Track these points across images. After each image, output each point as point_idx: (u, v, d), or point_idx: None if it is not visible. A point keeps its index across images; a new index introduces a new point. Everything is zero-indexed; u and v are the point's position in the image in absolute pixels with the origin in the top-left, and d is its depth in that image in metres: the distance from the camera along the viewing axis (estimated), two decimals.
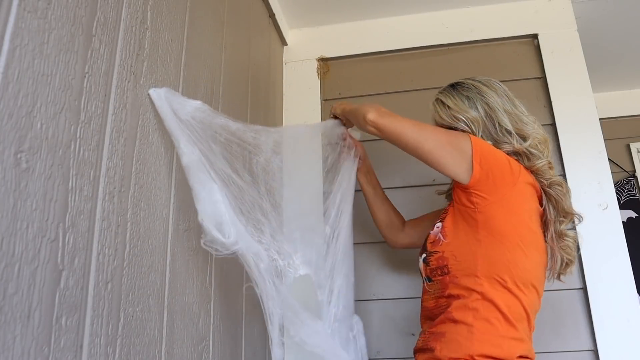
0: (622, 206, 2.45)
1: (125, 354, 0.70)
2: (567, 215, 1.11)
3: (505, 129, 1.10)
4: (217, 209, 0.77)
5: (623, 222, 1.55)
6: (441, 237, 1.09)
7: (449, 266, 1.05)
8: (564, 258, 1.11)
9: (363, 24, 1.89)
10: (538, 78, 1.73)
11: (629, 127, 2.58)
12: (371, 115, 1.09)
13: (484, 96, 1.13)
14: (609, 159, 1.59)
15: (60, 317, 0.57)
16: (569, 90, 1.67)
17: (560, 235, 1.10)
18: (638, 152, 2.57)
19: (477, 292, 1.00)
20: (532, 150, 1.08)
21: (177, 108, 0.82)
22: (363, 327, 1.34)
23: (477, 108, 1.12)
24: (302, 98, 1.85)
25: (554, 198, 1.09)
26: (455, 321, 1.00)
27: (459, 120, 1.12)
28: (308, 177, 1.25)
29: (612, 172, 1.59)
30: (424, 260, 1.13)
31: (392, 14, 1.86)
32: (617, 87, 2.55)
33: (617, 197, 2.23)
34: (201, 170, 0.79)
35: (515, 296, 1.00)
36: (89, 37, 0.67)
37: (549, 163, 1.10)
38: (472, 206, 1.03)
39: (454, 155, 1.02)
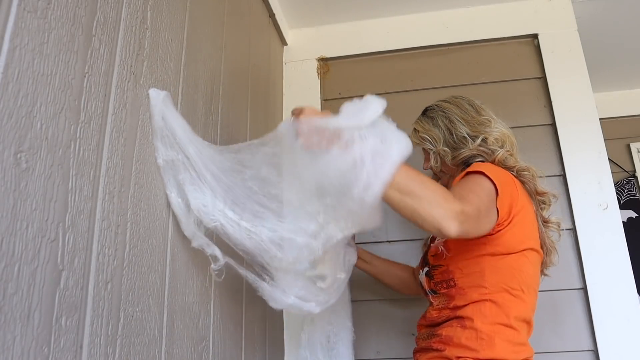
0: (622, 206, 2.45)
1: (125, 354, 0.70)
2: (543, 195, 1.14)
3: (462, 136, 1.16)
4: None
5: (623, 222, 1.55)
6: (444, 250, 1.10)
7: (455, 279, 1.06)
8: (549, 246, 1.15)
9: (363, 24, 1.89)
10: (538, 78, 1.73)
11: (629, 127, 2.58)
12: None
13: (444, 111, 1.22)
14: (609, 159, 1.59)
15: (60, 317, 0.57)
16: (569, 90, 1.67)
17: (546, 222, 1.15)
18: (638, 152, 2.57)
19: (485, 301, 1.01)
20: (490, 147, 1.13)
21: (167, 116, 0.83)
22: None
23: (439, 125, 1.21)
24: (302, 98, 1.85)
25: (526, 184, 1.12)
26: (463, 327, 1.01)
27: (424, 139, 1.23)
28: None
29: (612, 172, 1.59)
30: (427, 274, 1.14)
31: (392, 14, 1.86)
32: (617, 87, 2.55)
33: (617, 197, 2.23)
34: (178, 171, 0.84)
35: (521, 301, 1.03)
36: (89, 37, 0.67)
37: (508, 152, 1.13)
38: (484, 235, 1.00)
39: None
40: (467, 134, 1.16)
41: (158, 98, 0.83)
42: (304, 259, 0.87)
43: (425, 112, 1.29)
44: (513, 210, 1.02)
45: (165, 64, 0.90)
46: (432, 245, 1.15)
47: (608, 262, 1.49)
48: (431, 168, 1.26)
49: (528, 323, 1.06)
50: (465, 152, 1.15)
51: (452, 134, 1.18)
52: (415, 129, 1.29)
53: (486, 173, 1.00)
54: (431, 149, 1.23)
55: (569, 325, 1.49)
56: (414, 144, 1.24)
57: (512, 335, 1.00)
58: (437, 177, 1.28)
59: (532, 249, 1.06)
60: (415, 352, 1.13)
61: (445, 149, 1.19)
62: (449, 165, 1.20)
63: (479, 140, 1.14)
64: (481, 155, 1.14)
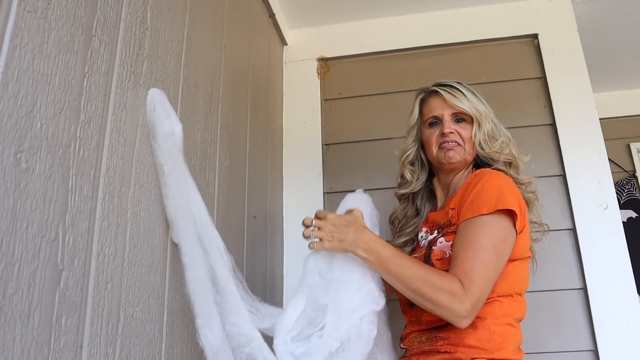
0: (622, 206, 2.45)
1: (125, 354, 0.70)
2: (534, 224, 1.19)
3: (507, 138, 1.18)
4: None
5: (623, 222, 1.55)
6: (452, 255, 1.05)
7: None
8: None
9: (363, 24, 1.89)
10: (538, 78, 1.73)
11: (629, 127, 2.58)
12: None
13: (484, 105, 1.20)
14: (609, 159, 1.59)
15: (60, 317, 0.57)
16: (569, 90, 1.67)
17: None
18: (638, 152, 2.57)
19: (494, 301, 1.01)
20: (513, 159, 1.17)
21: (157, 119, 0.82)
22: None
23: (487, 112, 1.18)
24: (302, 98, 1.85)
25: (529, 204, 1.15)
26: (474, 327, 0.99)
27: (477, 110, 1.16)
28: None
29: (612, 172, 1.59)
30: None
31: (392, 14, 1.86)
32: (617, 87, 2.55)
33: (617, 197, 2.23)
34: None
35: (518, 303, 1.05)
36: (89, 37, 0.67)
37: (521, 169, 1.18)
38: None
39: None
40: (508, 138, 1.17)
41: (152, 99, 0.82)
42: None
43: (462, 84, 1.22)
44: (524, 220, 1.04)
45: (165, 64, 0.90)
46: (434, 248, 1.09)
47: (608, 262, 1.49)
48: (449, 136, 1.16)
49: (520, 321, 1.08)
50: (496, 156, 1.15)
51: (497, 131, 1.18)
52: (471, 92, 1.20)
53: (500, 207, 0.99)
54: (479, 123, 1.16)
55: (569, 325, 1.49)
56: (457, 102, 1.17)
57: (516, 335, 1.02)
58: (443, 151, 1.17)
59: (530, 256, 1.11)
60: (411, 355, 1.09)
61: (495, 138, 1.16)
62: (481, 155, 1.17)
63: (515, 151, 1.17)
64: (502, 162, 1.15)
